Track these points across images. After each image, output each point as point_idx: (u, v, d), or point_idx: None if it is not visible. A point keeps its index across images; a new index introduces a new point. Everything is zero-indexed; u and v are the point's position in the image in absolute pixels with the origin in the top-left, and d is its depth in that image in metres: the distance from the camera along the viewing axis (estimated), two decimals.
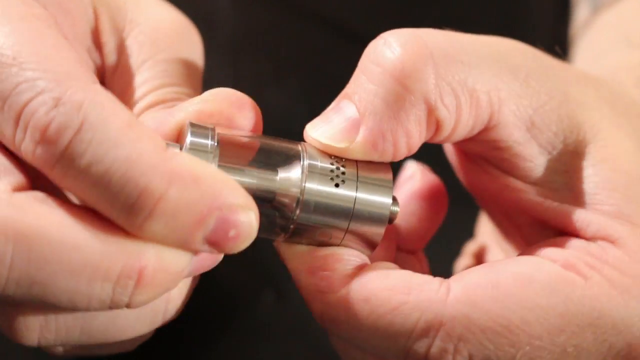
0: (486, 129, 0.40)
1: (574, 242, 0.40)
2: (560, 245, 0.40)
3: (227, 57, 0.61)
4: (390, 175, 0.39)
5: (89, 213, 0.34)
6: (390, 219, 0.40)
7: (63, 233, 0.33)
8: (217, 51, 0.59)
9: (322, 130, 0.39)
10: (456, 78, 0.39)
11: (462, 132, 0.40)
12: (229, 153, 0.38)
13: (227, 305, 0.59)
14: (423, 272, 0.40)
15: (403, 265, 0.41)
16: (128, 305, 0.35)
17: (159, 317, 0.39)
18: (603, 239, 0.39)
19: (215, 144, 0.37)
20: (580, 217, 0.40)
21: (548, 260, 0.39)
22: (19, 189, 0.35)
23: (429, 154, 0.46)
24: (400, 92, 0.38)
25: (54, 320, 0.36)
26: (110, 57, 0.42)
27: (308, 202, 0.38)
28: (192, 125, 0.37)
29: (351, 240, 0.39)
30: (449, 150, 0.46)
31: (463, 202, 0.48)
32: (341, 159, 0.39)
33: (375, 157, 0.39)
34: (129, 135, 0.33)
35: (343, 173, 0.38)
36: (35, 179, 0.36)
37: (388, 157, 0.39)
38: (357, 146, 0.38)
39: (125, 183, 0.33)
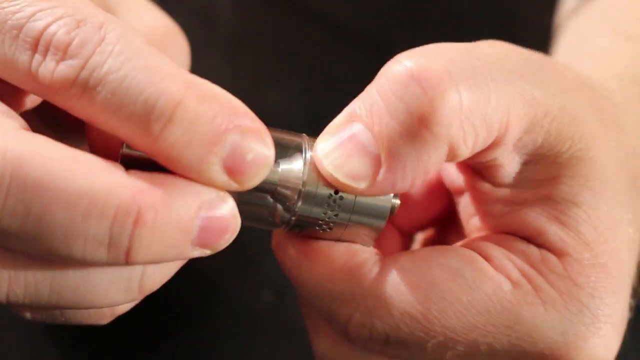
0: (484, 149, 0.40)
1: (517, 244, 0.40)
2: (503, 244, 0.40)
3: (226, 57, 0.61)
4: None
5: (92, 156, 0.34)
6: (392, 211, 0.39)
7: (62, 163, 0.33)
8: (217, 51, 0.60)
9: (337, 163, 0.38)
10: (479, 116, 0.38)
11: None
12: None
13: (226, 305, 0.59)
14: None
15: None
16: (128, 254, 0.33)
17: (135, 284, 0.37)
18: (550, 249, 0.40)
19: None
20: (537, 223, 0.40)
21: (481, 258, 0.39)
22: (20, 129, 0.34)
23: None
24: (425, 136, 0.37)
25: (24, 274, 0.35)
26: None
27: (309, 194, 0.38)
28: None
29: (353, 233, 0.40)
30: None
31: None
32: None
33: (390, 192, 0.39)
34: (148, 50, 0.34)
35: None
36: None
37: (403, 191, 0.39)
38: (376, 186, 0.38)
39: (145, 87, 0.33)
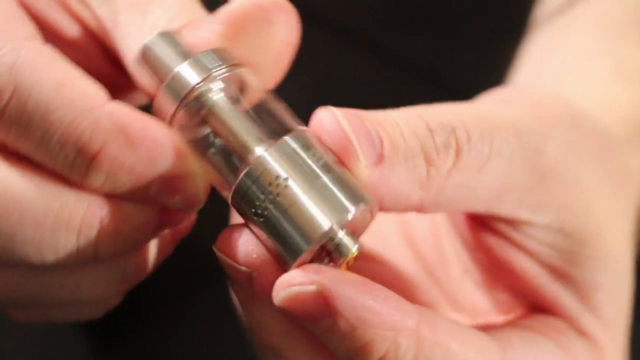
0: None
1: (572, 336, 0.40)
2: (560, 332, 0.40)
3: None
4: (349, 214, 0.33)
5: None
6: (330, 254, 0.34)
7: (22, 187, 0.34)
8: None
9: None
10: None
11: None
12: (234, 91, 0.36)
13: (226, 305, 0.59)
14: None
15: None
16: (96, 256, 0.35)
17: (117, 275, 0.38)
18: (591, 338, 0.40)
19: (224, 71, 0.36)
20: (570, 307, 0.40)
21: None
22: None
23: None
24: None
25: (4, 273, 0.36)
26: None
27: (257, 167, 0.34)
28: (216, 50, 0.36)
29: (272, 242, 0.34)
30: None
31: None
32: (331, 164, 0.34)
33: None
34: (62, 96, 0.33)
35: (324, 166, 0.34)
36: None
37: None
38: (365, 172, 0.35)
39: (63, 145, 0.33)
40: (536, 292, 0.40)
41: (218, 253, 0.35)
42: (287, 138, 0.34)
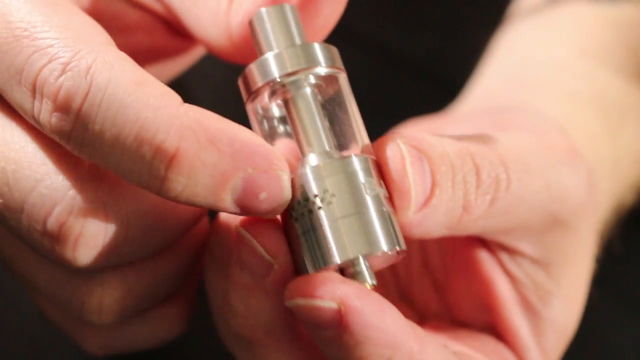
0: None
1: None
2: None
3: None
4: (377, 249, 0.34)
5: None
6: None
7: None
8: None
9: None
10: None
11: None
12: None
13: None
14: None
15: None
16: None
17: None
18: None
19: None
20: (528, 344, 0.41)
21: None
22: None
23: None
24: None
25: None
26: None
27: (308, 173, 0.34)
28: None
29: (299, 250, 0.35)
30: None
31: None
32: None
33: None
34: (138, 94, 0.32)
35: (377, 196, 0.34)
36: None
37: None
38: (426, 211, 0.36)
39: (140, 144, 0.32)
40: (502, 314, 0.42)
41: (243, 233, 0.35)
42: (353, 158, 0.35)
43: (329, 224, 0.34)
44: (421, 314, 0.45)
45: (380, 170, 0.35)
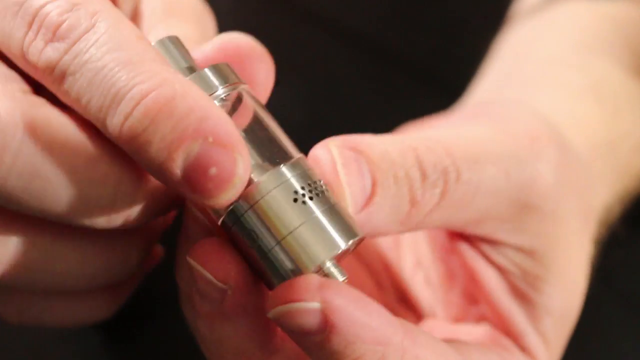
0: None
1: (518, 356, 0.41)
2: (508, 351, 0.41)
3: None
4: (343, 244, 0.34)
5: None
6: None
7: (68, 132, 0.34)
8: None
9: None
10: None
11: None
12: (237, 114, 0.35)
13: None
14: None
15: None
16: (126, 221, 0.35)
17: (103, 273, 0.38)
18: (532, 356, 0.41)
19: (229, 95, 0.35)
20: (526, 330, 0.41)
21: None
22: (28, 93, 0.35)
23: None
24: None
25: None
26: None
27: (250, 196, 0.34)
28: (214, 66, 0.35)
29: (271, 268, 0.34)
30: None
31: None
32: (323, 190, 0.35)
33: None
34: (135, 43, 0.33)
35: (316, 195, 0.34)
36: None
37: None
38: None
39: (117, 81, 0.32)
40: (494, 305, 0.42)
41: (192, 263, 0.35)
42: (282, 168, 0.34)
43: (288, 236, 0.33)
44: (419, 314, 0.45)
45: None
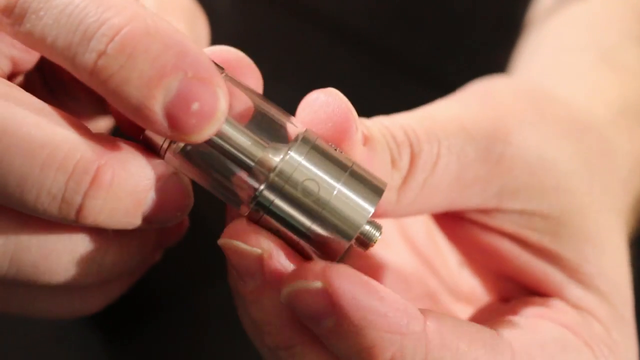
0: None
1: (569, 311, 0.39)
2: (558, 311, 0.39)
3: None
4: (378, 198, 0.35)
5: (60, 111, 0.33)
6: (361, 242, 0.35)
7: (28, 111, 0.32)
8: None
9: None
10: None
11: None
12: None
13: (228, 305, 0.59)
14: None
15: None
16: (79, 212, 0.32)
17: (94, 267, 0.36)
18: (586, 311, 0.39)
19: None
20: (564, 284, 0.39)
21: (561, 326, 0.38)
22: None
23: None
24: None
25: None
26: None
27: (275, 183, 0.34)
28: None
29: (311, 243, 0.35)
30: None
31: None
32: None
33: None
34: None
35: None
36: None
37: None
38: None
39: (86, 16, 0.30)
40: (523, 272, 0.40)
41: (226, 241, 0.34)
42: (300, 138, 0.34)
43: (326, 208, 0.34)
44: (473, 303, 0.44)
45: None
